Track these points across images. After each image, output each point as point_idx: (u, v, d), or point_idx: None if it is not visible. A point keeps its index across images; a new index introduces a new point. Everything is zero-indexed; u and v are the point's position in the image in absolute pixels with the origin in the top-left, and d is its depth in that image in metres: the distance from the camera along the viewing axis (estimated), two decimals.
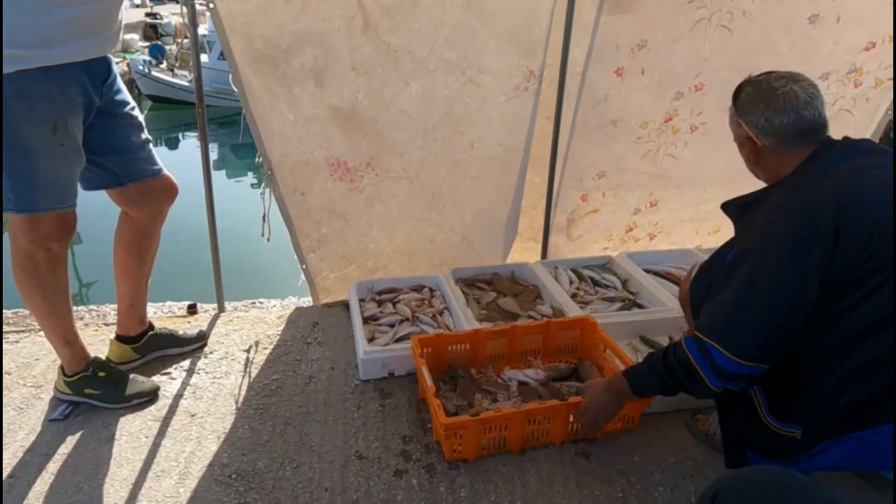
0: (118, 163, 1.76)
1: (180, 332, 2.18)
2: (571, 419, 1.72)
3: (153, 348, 2.08)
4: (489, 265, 2.66)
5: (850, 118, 2.59)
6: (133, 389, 1.87)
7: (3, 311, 2.36)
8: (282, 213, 2.32)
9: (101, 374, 1.84)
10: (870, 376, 1.18)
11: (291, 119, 2.15)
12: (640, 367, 1.49)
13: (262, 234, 2.32)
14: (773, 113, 1.35)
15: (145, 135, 1.83)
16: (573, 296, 2.44)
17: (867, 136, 2.65)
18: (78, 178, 1.67)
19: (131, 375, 1.92)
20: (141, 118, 1.82)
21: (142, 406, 1.86)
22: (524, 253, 2.96)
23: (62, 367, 1.83)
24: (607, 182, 2.70)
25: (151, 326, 2.10)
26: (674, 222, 2.89)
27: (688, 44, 2.34)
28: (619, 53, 2.33)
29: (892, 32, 2.39)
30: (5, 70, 1.42)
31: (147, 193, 1.85)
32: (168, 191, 1.91)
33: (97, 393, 1.83)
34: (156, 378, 1.99)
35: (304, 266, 2.48)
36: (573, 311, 2.25)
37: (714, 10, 2.27)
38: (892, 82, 2.53)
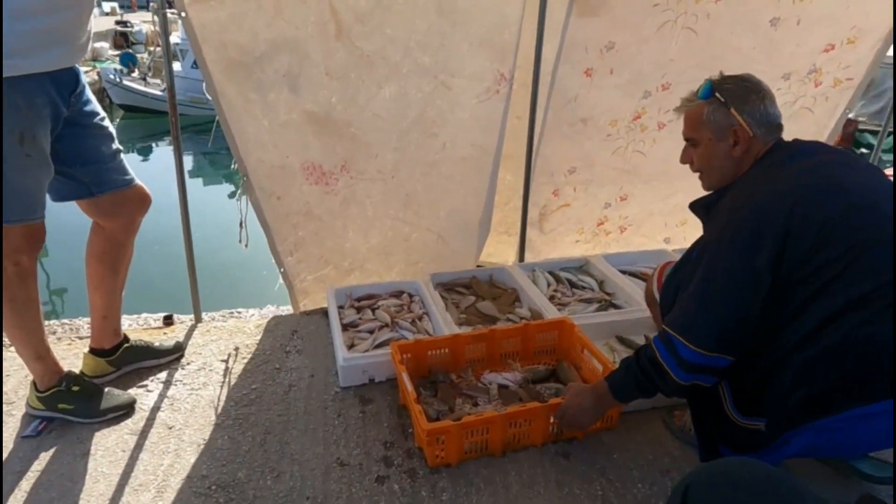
0: (89, 173, 1.74)
1: (156, 344, 2.15)
2: (552, 420, 1.74)
3: (128, 361, 2.05)
4: (466, 269, 2.69)
5: (811, 115, 2.69)
6: (108, 403, 1.84)
7: None
8: (258, 217, 2.31)
9: (75, 388, 1.81)
10: (823, 368, 1.22)
11: (266, 125, 2.16)
12: (618, 372, 1.53)
13: (240, 241, 2.31)
14: (768, 103, 1.44)
15: (116, 145, 1.81)
16: (551, 298, 2.46)
17: (826, 133, 2.76)
18: (46, 189, 1.64)
19: (106, 389, 1.89)
20: (111, 128, 1.80)
21: (118, 420, 1.83)
22: (498, 247, 3.04)
23: (34, 383, 1.79)
24: (578, 177, 2.80)
25: (126, 339, 2.07)
26: (643, 215, 2.99)
27: (654, 45, 2.43)
28: (589, 54, 2.42)
29: (849, 35, 2.49)
30: None
31: (119, 204, 1.83)
32: (141, 201, 1.89)
33: (71, 408, 1.79)
34: (132, 391, 1.96)
35: (282, 269, 2.47)
36: (551, 313, 2.28)
37: (679, 12, 2.35)
38: (850, 82, 2.63)
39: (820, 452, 1.36)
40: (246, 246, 2.31)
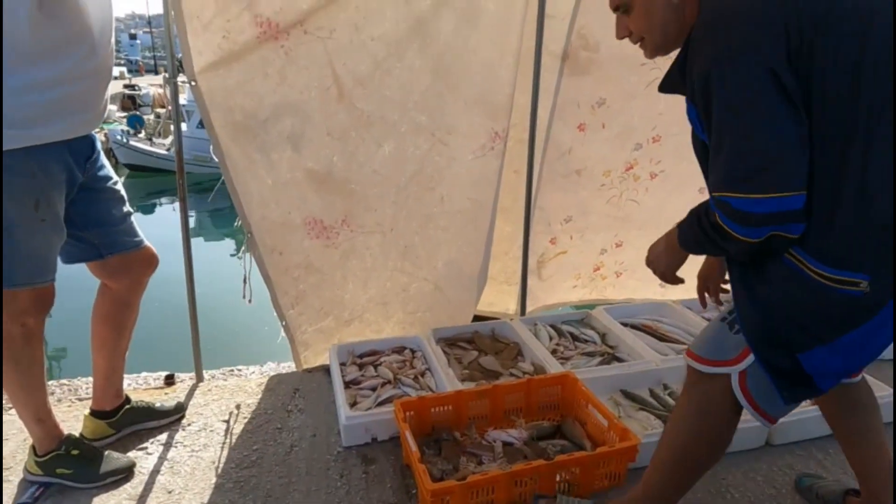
0: (99, 235, 1.78)
1: (157, 405, 2.13)
2: (558, 478, 1.71)
3: (129, 422, 2.03)
4: (465, 321, 2.71)
5: None
6: (108, 467, 1.81)
7: None
8: (261, 272, 2.35)
9: (75, 451, 1.78)
10: None
11: (270, 183, 2.22)
12: (685, 224, 1.31)
13: (244, 297, 2.33)
14: None
15: (127, 207, 1.86)
16: (553, 351, 2.46)
17: None
18: (58, 252, 1.67)
19: (106, 452, 1.86)
20: (123, 191, 1.85)
21: (116, 484, 1.80)
22: (499, 296, 3.08)
23: (33, 447, 1.77)
24: (574, 225, 2.92)
25: (128, 400, 2.05)
26: (638, 260, 3.03)
27: (643, 100, 2.57)
28: (581, 110, 2.57)
29: None
30: None
31: (127, 265, 1.86)
32: (148, 262, 1.92)
33: (70, 472, 1.76)
34: (131, 453, 1.94)
35: (283, 323, 2.48)
36: (554, 367, 2.27)
37: (665, 71, 2.45)
38: None
39: None
40: (250, 301, 2.33)
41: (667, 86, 1.32)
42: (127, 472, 1.84)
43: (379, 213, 2.42)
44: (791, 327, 1.17)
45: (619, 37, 1.35)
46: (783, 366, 1.19)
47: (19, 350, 1.63)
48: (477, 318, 2.82)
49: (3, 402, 2.13)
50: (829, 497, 1.69)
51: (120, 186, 1.84)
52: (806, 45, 1.05)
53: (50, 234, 1.61)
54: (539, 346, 2.44)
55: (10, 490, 1.78)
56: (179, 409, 2.16)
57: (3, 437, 2.01)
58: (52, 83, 1.49)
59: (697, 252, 1.36)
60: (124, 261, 1.84)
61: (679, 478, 1.41)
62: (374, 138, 2.28)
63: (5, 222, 1.51)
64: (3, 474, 1.84)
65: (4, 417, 2.12)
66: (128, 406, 2.04)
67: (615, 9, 1.32)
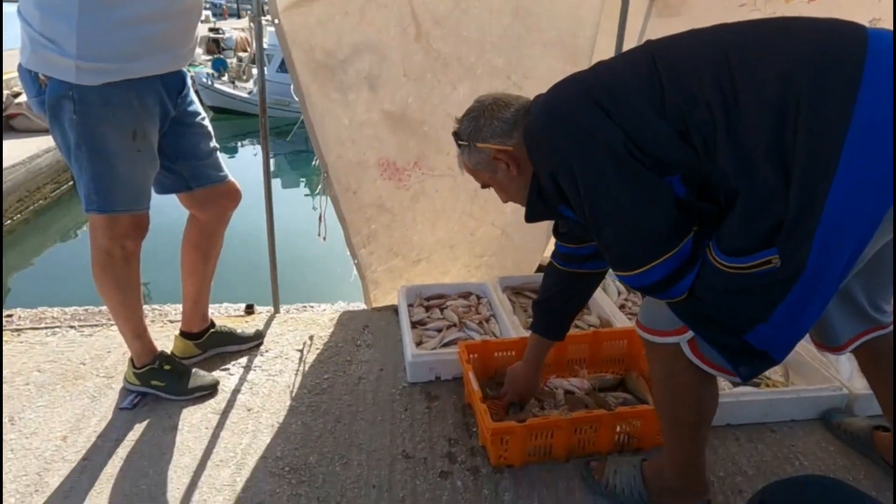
0: (188, 168, 1.88)
1: (238, 331, 2.28)
2: (618, 430, 1.72)
3: (214, 345, 2.19)
4: (531, 268, 2.70)
5: None
6: (195, 383, 1.98)
7: (76, 307, 2.54)
8: (336, 211, 2.43)
9: (167, 367, 1.95)
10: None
11: (346, 123, 2.26)
12: None
13: (319, 234, 2.42)
14: (498, 111, 1.34)
15: (213, 143, 1.95)
16: (621, 307, 2.42)
17: None
18: (152, 182, 1.79)
19: (193, 369, 2.03)
20: (210, 128, 1.93)
21: (202, 399, 1.97)
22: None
23: (132, 360, 1.95)
24: None
25: (213, 324, 2.21)
26: None
27: None
28: None
29: None
30: (93, 82, 1.54)
31: (213, 197, 1.97)
32: (232, 195, 2.02)
33: (163, 384, 1.94)
34: (215, 373, 2.10)
35: (355, 261, 2.57)
36: (621, 321, 2.24)
37: (767, 12, 2.26)
38: None
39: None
40: (324, 239, 2.42)
41: (533, 217, 1.42)
42: (211, 389, 2.00)
43: (451, 156, 2.42)
44: (725, 314, 1.16)
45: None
46: (731, 345, 1.17)
47: (120, 269, 1.78)
48: (543, 269, 2.81)
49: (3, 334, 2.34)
50: (859, 433, 1.72)
51: (207, 122, 1.92)
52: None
53: (145, 164, 1.72)
54: (607, 301, 2.41)
55: (112, 396, 1.98)
56: (258, 337, 2.31)
57: (106, 350, 2.23)
58: (146, 20, 1.56)
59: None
60: (210, 193, 1.95)
61: (682, 439, 1.40)
62: (449, 80, 2.26)
63: (109, 150, 1.63)
64: (108, 382, 2.05)
65: (106, 332, 2.34)
66: (213, 330, 2.20)
67: (482, 186, 1.47)
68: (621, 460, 1.62)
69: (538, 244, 2.75)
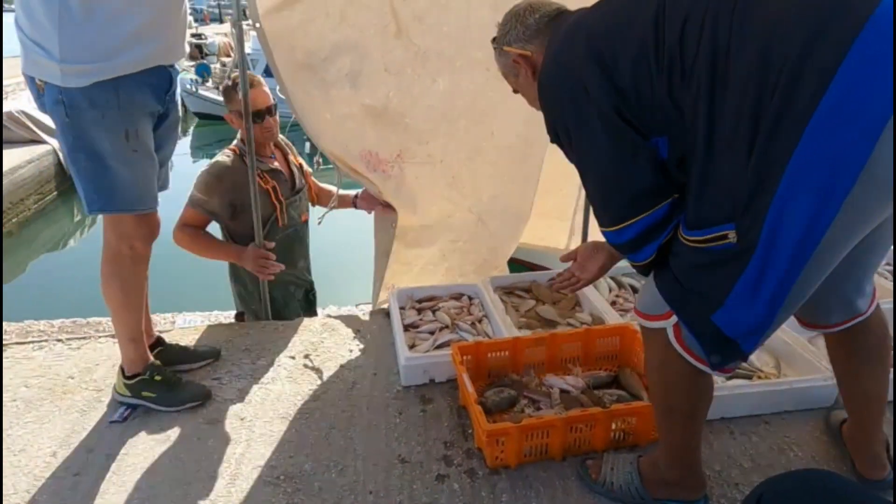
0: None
1: (191, 348, 2.21)
2: (613, 427, 1.72)
3: (163, 363, 2.08)
4: (522, 273, 2.71)
5: None
6: (187, 393, 1.95)
7: (64, 320, 2.50)
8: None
9: (158, 377, 1.92)
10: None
11: (328, 118, 2.26)
12: None
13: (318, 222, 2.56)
14: (527, 16, 1.39)
15: (174, 149, 1.95)
16: (613, 303, 2.43)
17: None
18: (155, 181, 1.77)
19: (184, 379, 2.00)
20: (179, 131, 1.94)
21: (194, 409, 1.94)
22: (549, 231, 3.14)
23: (122, 369, 1.92)
24: None
25: (161, 341, 2.14)
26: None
27: None
28: None
29: None
30: (79, 84, 1.53)
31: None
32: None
33: (154, 396, 1.91)
34: (206, 383, 2.07)
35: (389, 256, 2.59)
36: (613, 318, 2.24)
37: None
38: None
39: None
40: (319, 223, 2.52)
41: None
42: (203, 400, 1.96)
43: (431, 145, 2.45)
44: (693, 292, 1.18)
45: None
46: (706, 330, 1.19)
47: (128, 270, 1.78)
48: (519, 260, 2.87)
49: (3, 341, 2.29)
50: (833, 424, 1.77)
51: (179, 130, 1.92)
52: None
53: (143, 163, 1.71)
54: (598, 298, 2.41)
55: (102, 409, 1.95)
56: (214, 354, 2.21)
57: (95, 362, 2.20)
58: (123, 12, 1.54)
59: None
60: None
61: (676, 428, 1.40)
62: (429, 74, 2.28)
63: (104, 152, 1.62)
64: (97, 395, 2.02)
65: (94, 345, 2.31)
66: (161, 347, 2.12)
67: (513, 90, 1.57)
68: (617, 457, 1.62)
69: (512, 233, 2.79)
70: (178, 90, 1.85)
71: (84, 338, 2.37)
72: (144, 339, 1.92)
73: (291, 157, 2.62)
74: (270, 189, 2.40)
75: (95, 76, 1.55)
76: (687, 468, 1.45)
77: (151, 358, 1.96)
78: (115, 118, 1.61)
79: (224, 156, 2.40)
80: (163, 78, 1.73)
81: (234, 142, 2.44)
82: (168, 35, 1.69)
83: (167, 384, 1.93)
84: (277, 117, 2.43)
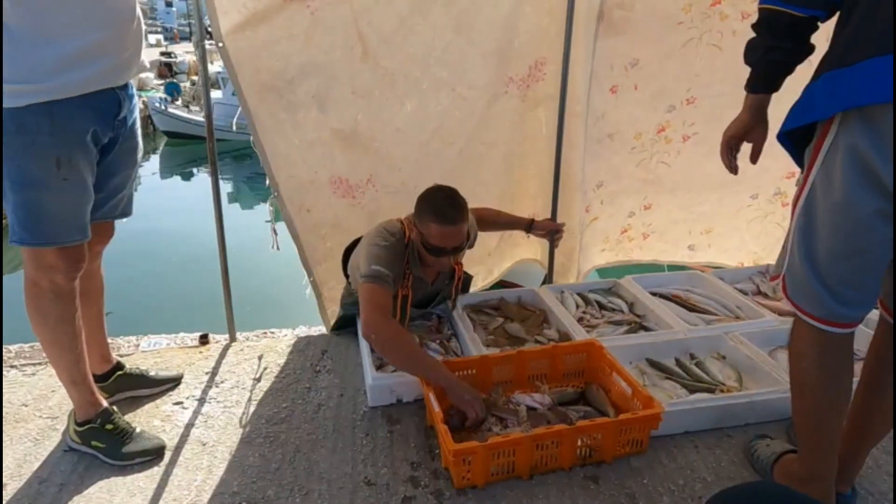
0: (98, 197, 1.73)
1: (152, 374, 2.13)
2: (579, 443, 1.72)
3: (122, 388, 2.04)
4: (491, 292, 2.73)
5: None
6: (138, 447, 1.80)
7: (22, 344, 2.42)
8: (289, 230, 2.41)
9: (109, 426, 1.79)
10: None
11: (296, 143, 2.27)
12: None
13: (273, 247, 2.45)
14: None
15: (134, 177, 1.85)
16: (579, 319, 2.45)
17: None
18: (86, 212, 1.65)
19: (138, 430, 1.85)
20: (138, 160, 1.83)
21: (144, 465, 1.79)
22: (527, 245, 3.12)
23: (74, 413, 1.81)
24: (605, 190, 2.90)
25: (120, 366, 2.06)
26: (667, 223, 3.06)
27: (678, 60, 2.50)
28: (613, 72, 2.52)
29: None
30: (11, 105, 1.44)
31: (99, 232, 1.80)
32: (111, 232, 1.90)
33: (102, 447, 1.78)
34: (167, 407, 2.02)
35: (311, 278, 2.54)
36: (580, 334, 2.26)
37: (704, 30, 2.41)
38: None
39: None
40: (277, 248, 2.44)
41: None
42: (155, 454, 1.80)
43: (404, 171, 2.46)
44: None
45: None
46: None
47: (49, 305, 1.64)
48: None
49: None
50: (765, 459, 1.71)
51: (139, 156, 1.81)
52: None
53: (74, 193, 1.59)
54: (565, 314, 2.43)
55: (56, 437, 1.88)
56: (176, 380, 2.16)
57: (50, 389, 2.13)
58: (61, 36, 1.46)
59: (751, 61, 1.41)
60: (100, 227, 1.80)
61: (804, 421, 1.45)
62: (397, 96, 2.30)
63: (30, 180, 1.51)
64: (52, 423, 1.95)
65: (49, 371, 2.22)
66: (120, 372, 2.05)
67: None
68: (777, 442, 1.74)
69: (487, 242, 2.82)
70: (135, 113, 1.75)
71: (39, 363, 2.29)
72: (90, 380, 1.79)
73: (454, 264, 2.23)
74: (401, 298, 2.15)
75: (27, 98, 1.45)
76: (816, 466, 1.46)
77: (103, 403, 1.83)
78: (46, 144, 1.50)
79: (394, 234, 2.10)
80: (110, 101, 1.62)
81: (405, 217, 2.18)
82: (114, 57, 1.58)
83: (118, 434, 1.79)
84: (465, 252, 2.20)
